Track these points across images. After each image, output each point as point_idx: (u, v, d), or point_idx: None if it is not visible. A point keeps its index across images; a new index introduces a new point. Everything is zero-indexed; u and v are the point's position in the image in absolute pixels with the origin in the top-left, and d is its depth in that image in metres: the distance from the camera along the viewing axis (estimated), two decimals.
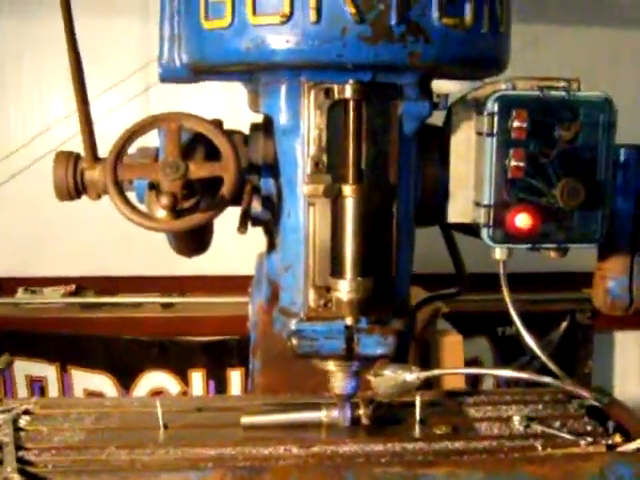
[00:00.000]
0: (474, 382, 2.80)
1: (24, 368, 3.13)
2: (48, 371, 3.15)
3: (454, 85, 1.60)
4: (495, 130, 1.37)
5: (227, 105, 2.92)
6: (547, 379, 1.44)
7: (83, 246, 3.20)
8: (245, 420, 1.54)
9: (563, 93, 1.38)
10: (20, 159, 2.98)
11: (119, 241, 2.85)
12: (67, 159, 1.52)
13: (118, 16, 2.96)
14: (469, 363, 2.98)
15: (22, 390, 3.15)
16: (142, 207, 1.44)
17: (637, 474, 1.37)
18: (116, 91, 3.01)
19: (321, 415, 1.54)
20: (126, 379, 3.12)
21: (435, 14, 1.30)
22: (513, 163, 1.37)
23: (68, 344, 3.11)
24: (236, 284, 2.75)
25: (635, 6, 3.23)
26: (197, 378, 3.11)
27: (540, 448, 1.46)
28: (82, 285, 3.30)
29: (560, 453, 1.44)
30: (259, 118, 1.55)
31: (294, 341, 1.45)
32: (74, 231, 3.14)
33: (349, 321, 1.39)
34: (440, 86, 1.55)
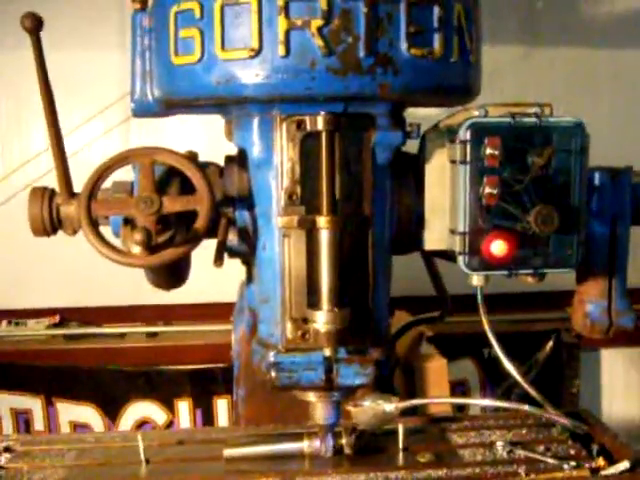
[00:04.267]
0: (461, 406, 2.78)
1: (9, 401, 3.09)
2: (33, 404, 3.11)
3: (432, 111, 1.61)
4: (468, 158, 1.37)
5: (207, 135, 2.92)
6: (525, 407, 1.44)
7: (66, 277, 3.17)
8: (227, 452, 1.53)
9: (535, 119, 1.39)
10: (0, 192, 2.97)
11: (102, 271, 2.82)
12: (42, 195, 1.51)
13: (97, 48, 2.95)
14: (456, 385, 2.96)
15: (7, 423, 3.11)
16: (118, 242, 1.43)
17: None
18: (96, 122, 3.00)
19: (303, 446, 1.53)
20: (112, 410, 3.08)
21: (403, 45, 1.31)
22: (487, 190, 1.37)
23: (53, 376, 3.07)
24: (221, 312, 2.74)
25: (611, 26, 3.26)
26: (183, 407, 3.08)
27: (523, 474, 1.45)
28: (66, 316, 3.27)
29: (543, 478, 1.43)
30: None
31: (273, 373, 1.44)
32: (57, 262, 3.11)
33: (327, 352, 1.39)
34: (417, 112, 1.56)
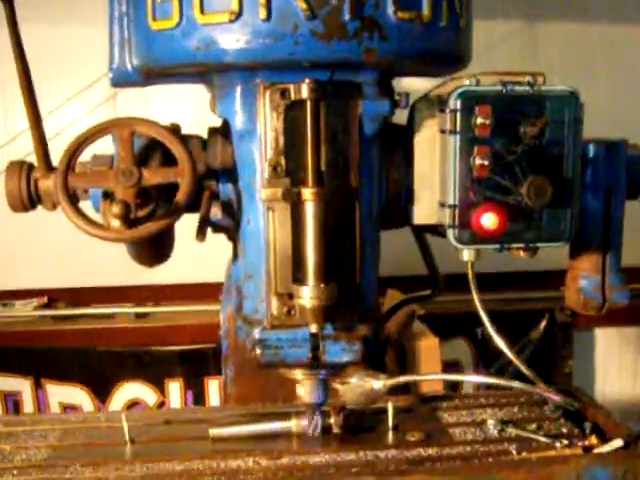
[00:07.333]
0: (453, 385, 2.77)
1: None
2: (22, 385, 3.08)
3: (423, 82, 1.57)
4: (458, 127, 1.33)
5: (195, 112, 2.88)
6: (517, 384, 1.41)
7: (54, 257, 3.14)
8: (214, 432, 1.50)
9: (527, 88, 1.35)
10: None
11: (90, 252, 2.79)
12: (20, 169, 1.47)
13: (82, 23, 2.89)
14: (449, 365, 2.94)
15: None
16: (98, 217, 1.40)
17: (613, 476, 1.34)
18: (83, 98, 2.96)
19: (291, 425, 1.51)
20: (102, 391, 3.06)
21: (390, 8, 1.26)
22: (478, 161, 1.34)
23: (42, 357, 3.05)
24: (211, 291, 2.71)
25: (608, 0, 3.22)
26: (174, 388, 3.06)
27: (515, 452, 1.43)
28: (54, 297, 3.24)
29: (535, 457, 1.41)
30: None
31: (258, 350, 1.42)
32: (44, 242, 3.07)
33: (313, 328, 1.35)
34: (410, 84, 1.52)
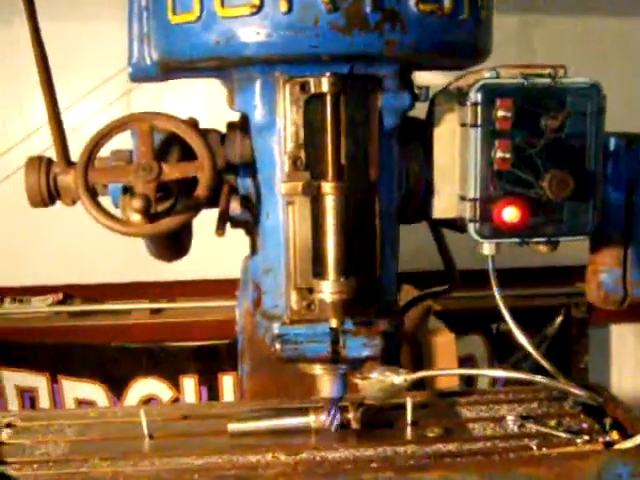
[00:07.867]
0: (469, 381, 2.76)
1: (13, 379, 3.09)
2: (38, 381, 3.10)
3: (440, 77, 1.56)
4: (479, 121, 1.32)
5: (210, 105, 2.88)
6: (540, 378, 1.40)
7: (69, 254, 3.15)
8: (232, 427, 1.50)
9: (549, 80, 1.34)
10: (1, 167, 2.92)
11: (105, 247, 2.80)
12: (39, 164, 1.47)
13: (96, 20, 2.90)
14: (464, 361, 2.94)
15: (12, 401, 3.10)
16: (117, 212, 1.40)
17: (635, 472, 1.33)
18: (97, 95, 2.96)
19: (309, 420, 1.50)
20: (117, 387, 3.07)
21: (412, 0, 1.26)
22: (499, 154, 1.33)
23: (57, 353, 3.06)
24: (226, 288, 2.71)
25: None
26: (189, 384, 3.06)
27: (535, 448, 1.42)
28: (69, 293, 3.25)
29: (556, 453, 1.40)
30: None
31: (277, 345, 1.41)
32: (59, 238, 3.09)
33: (333, 323, 1.34)
34: (430, 80, 1.51)
